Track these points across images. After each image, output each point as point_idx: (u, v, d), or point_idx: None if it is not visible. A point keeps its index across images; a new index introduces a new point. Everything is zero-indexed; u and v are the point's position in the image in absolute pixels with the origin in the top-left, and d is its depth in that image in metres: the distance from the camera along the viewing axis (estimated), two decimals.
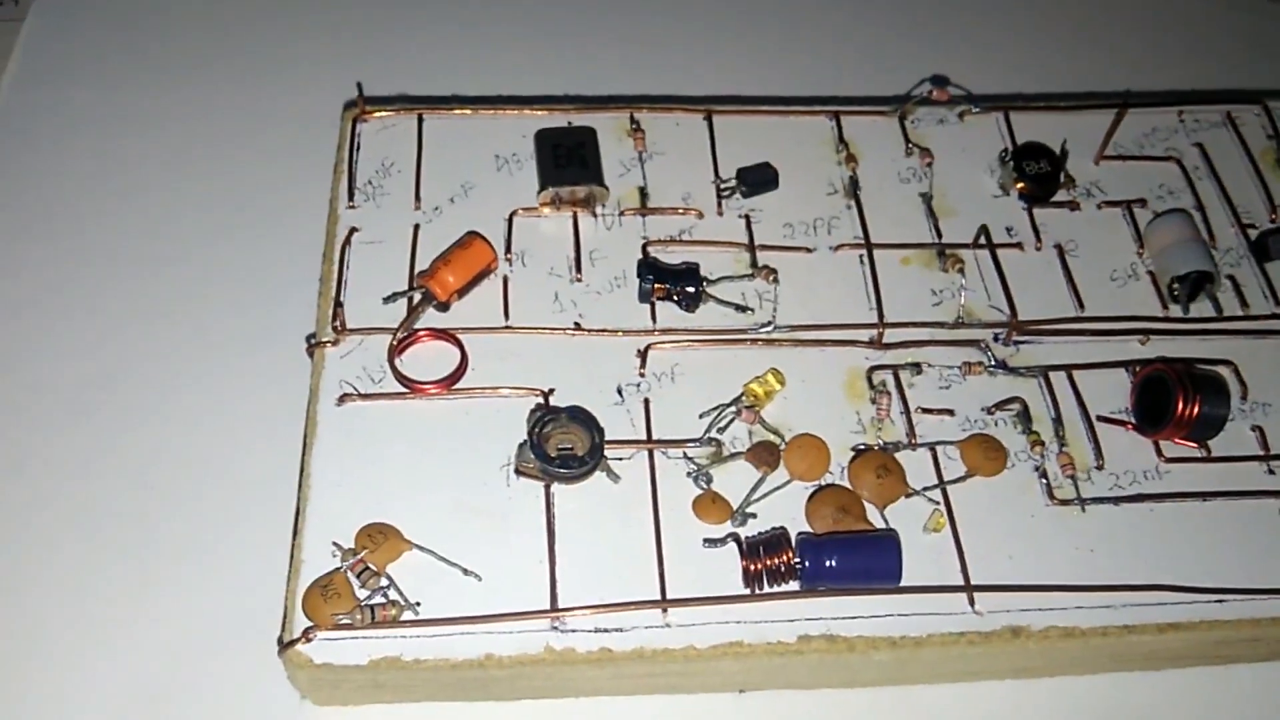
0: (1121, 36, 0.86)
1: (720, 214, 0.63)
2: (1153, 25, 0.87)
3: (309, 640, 0.49)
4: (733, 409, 0.56)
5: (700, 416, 0.56)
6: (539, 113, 0.66)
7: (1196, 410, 0.55)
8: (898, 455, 0.55)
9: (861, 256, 0.62)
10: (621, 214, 0.63)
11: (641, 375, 0.57)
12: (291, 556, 0.51)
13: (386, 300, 0.58)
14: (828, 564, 0.51)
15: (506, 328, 0.58)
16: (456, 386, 0.56)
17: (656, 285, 0.59)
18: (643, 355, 0.58)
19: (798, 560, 0.51)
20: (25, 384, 0.63)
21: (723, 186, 0.64)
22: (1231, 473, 0.57)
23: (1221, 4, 0.88)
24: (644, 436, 0.55)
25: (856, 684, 0.55)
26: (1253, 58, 0.84)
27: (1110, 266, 0.63)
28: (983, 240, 0.62)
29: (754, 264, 0.61)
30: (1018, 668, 0.55)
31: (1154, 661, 0.56)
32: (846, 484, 0.55)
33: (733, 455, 0.55)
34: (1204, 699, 0.57)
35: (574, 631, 0.50)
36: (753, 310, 0.59)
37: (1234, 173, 0.67)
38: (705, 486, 0.54)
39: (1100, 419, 0.57)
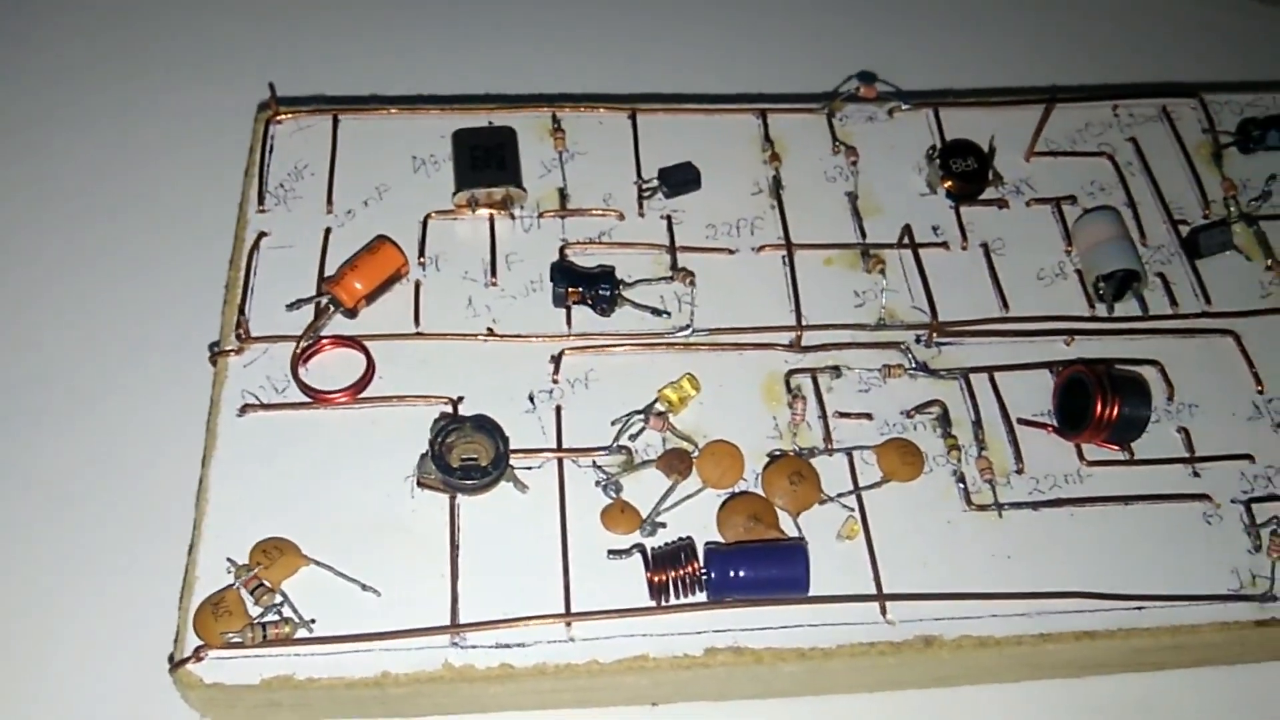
0: (1057, 29, 0.85)
1: (642, 215, 0.62)
2: (1090, 18, 0.86)
3: (200, 659, 0.48)
4: (642, 416, 0.55)
5: (613, 424, 0.55)
6: (459, 112, 0.64)
7: (1116, 412, 0.54)
8: (814, 461, 0.54)
9: (784, 258, 0.61)
10: (540, 216, 0.61)
11: (555, 382, 0.56)
12: (186, 572, 0.50)
13: (290, 307, 0.56)
14: (733, 575, 0.50)
15: (417, 334, 0.57)
16: (362, 395, 0.55)
17: (571, 289, 0.57)
18: (556, 361, 0.56)
19: (704, 571, 0.50)
20: None
21: (644, 187, 0.62)
22: (1155, 476, 0.55)
23: None
24: (555, 445, 0.54)
25: (771, 694, 0.54)
26: (1190, 51, 0.83)
27: (1037, 265, 0.62)
28: (906, 240, 0.61)
29: (674, 266, 0.60)
30: (937, 676, 0.54)
31: (1075, 669, 0.55)
32: (760, 491, 0.53)
33: (644, 463, 0.54)
34: (1130, 706, 0.56)
35: (474, 648, 0.49)
36: (669, 314, 0.58)
37: (1169, 168, 0.66)
38: (615, 496, 0.53)
39: (1021, 422, 0.56)
